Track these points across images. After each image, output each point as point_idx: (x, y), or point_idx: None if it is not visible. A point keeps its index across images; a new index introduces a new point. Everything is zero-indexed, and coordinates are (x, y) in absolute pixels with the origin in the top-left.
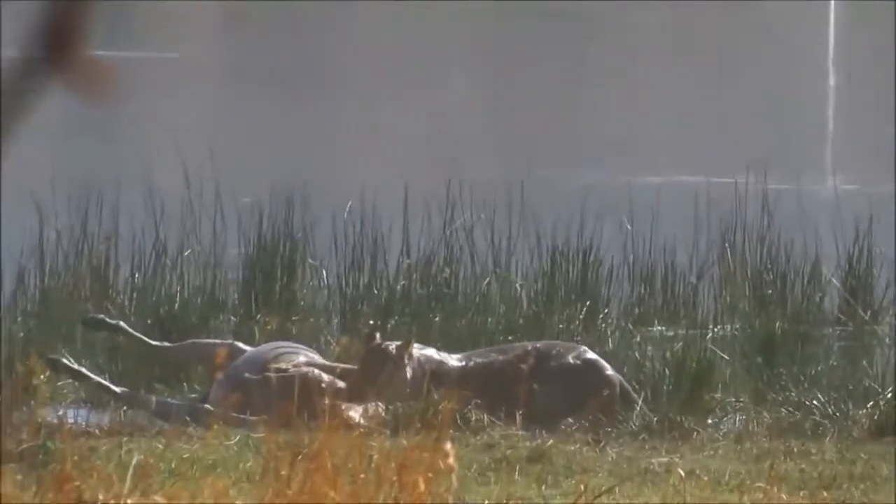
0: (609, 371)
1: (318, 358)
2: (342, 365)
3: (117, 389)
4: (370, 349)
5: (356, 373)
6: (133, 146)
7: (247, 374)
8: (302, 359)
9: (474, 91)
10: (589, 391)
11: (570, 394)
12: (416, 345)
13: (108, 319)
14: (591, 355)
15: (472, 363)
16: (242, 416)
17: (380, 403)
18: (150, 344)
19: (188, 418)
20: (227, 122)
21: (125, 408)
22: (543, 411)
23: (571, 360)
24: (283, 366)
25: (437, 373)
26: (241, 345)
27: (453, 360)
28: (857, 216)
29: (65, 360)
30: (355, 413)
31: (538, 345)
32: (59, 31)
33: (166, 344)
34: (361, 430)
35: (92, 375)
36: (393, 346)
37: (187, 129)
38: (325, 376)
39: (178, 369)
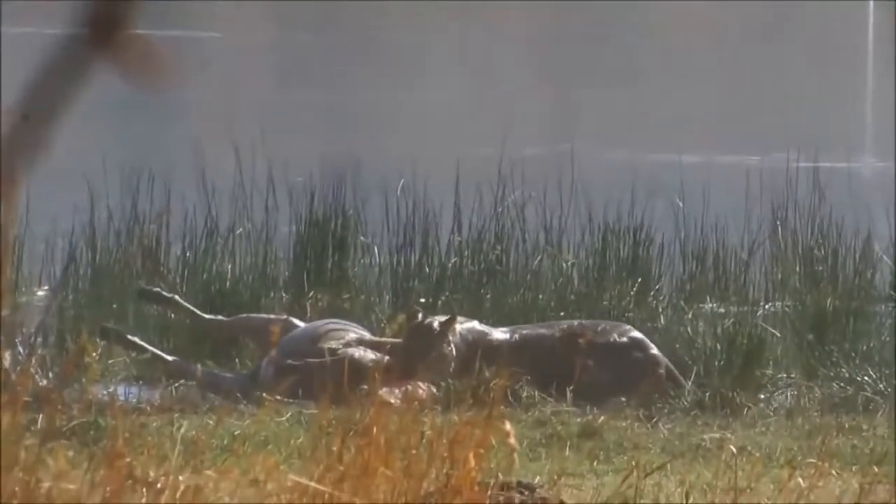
0: (654, 350)
1: (368, 335)
2: (392, 340)
3: (169, 358)
4: (413, 327)
5: (400, 351)
6: (183, 126)
7: (297, 352)
8: (352, 336)
9: (526, 67)
10: (635, 369)
11: (616, 371)
12: (459, 319)
13: (163, 292)
14: (636, 334)
15: (517, 336)
16: (293, 392)
17: (426, 381)
18: (204, 317)
19: (238, 393)
20: (276, 100)
21: (175, 379)
22: (589, 387)
23: (617, 338)
24: (332, 344)
25: (483, 346)
26: (295, 320)
27: (498, 333)
28: None
29: (117, 329)
30: (401, 392)
31: (583, 322)
32: (106, 11)
33: (220, 317)
34: (412, 406)
35: (144, 344)
36: (436, 322)
37: (237, 108)
38: (373, 354)
39: (230, 344)
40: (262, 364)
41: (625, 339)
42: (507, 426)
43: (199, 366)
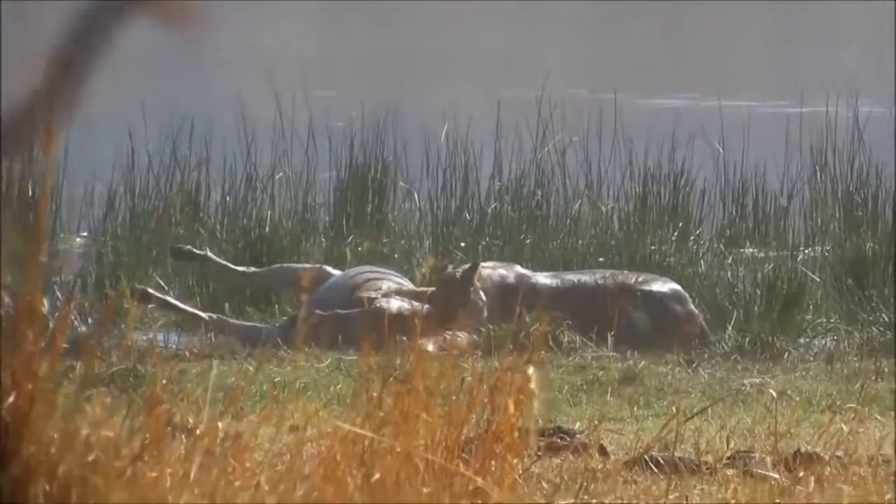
0: (691, 306)
1: (406, 283)
2: (428, 290)
3: (205, 315)
4: (440, 279)
5: (432, 304)
6: (224, 73)
7: (334, 302)
8: (389, 284)
9: (567, 13)
10: (672, 321)
11: (655, 320)
12: (498, 264)
13: (194, 250)
14: (676, 286)
15: (559, 281)
16: (331, 342)
17: (462, 329)
18: (237, 271)
19: (279, 340)
20: (317, 46)
21: (212, 334)
22: (628, 334)
23: (658, 288)
24: (370, 294)
25: (525, 289)
26: (329, 269)
27: (541, 277)
28: None
29: (151, 291)
30: (439, 340)
31: (625, 272)
32: None
33: (253, 269)
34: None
35: (179, 304)
36: (460, 272)
37: (277, 55)
38: (409, 304)
39: (268, 293)
40: (298, 314)
41: (665, 290)
42: (530, 371)
43: (234, 320)
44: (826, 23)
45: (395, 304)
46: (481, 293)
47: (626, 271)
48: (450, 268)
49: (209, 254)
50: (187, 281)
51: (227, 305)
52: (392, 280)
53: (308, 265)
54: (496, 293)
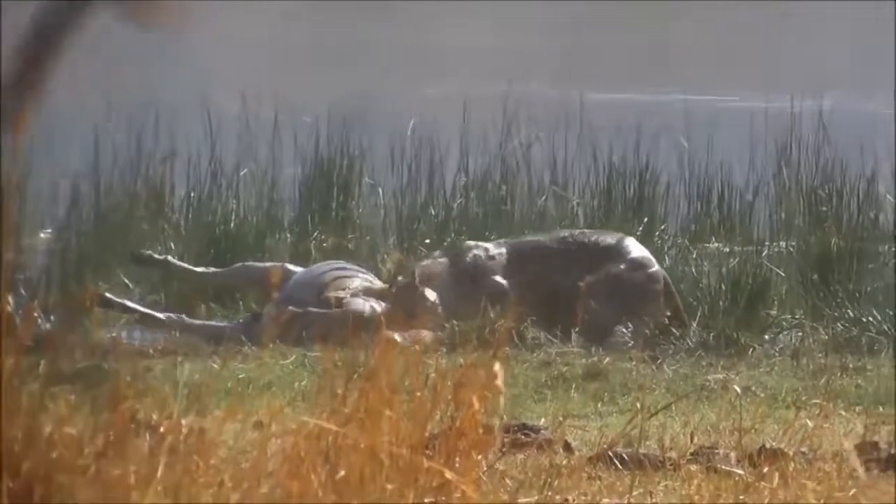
0: (655, 267)
1: (373, 279)
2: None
3: (163, 317)
4: (397, 287)
5: (392, 310)
6: (189, 67)
7: (300, 300)
8: (357, 282)
9: (532, 7)
10: (632, 280)
11: (612, 278)
12: (441, 251)
13: (154, 255)
14: (633, 242)
15: (510, 248)
16: (296, 340)
17: (424, 329)
18: (198, 272)
19: (242, 337)
20: (283, 40)
21: (175, 333)
22: (587, 297)
23: (612, 243)
24: (338, 293)
25: (481, 264)
26: (291, 267)
27: (493, 247)
28: None
29: (110, 296)
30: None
31: (584, 231)
32: None
33: (214, 270)
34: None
35: (139, 307)
36: (400, 284)
37: (243, 49)
38: (377, 304)
39: (232, 291)
40: (263, 312)
41: (619, 244)
42: (496, 367)
43: (194, 320)
44: (792, 17)
45: (362, 304)
46: (428, 293)
47: (584, 230)
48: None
49: (169, 258)
50: (152, 277)
51: (191, 302)
52: (359, 277)
53: (270, 264)
54: (451, 280)
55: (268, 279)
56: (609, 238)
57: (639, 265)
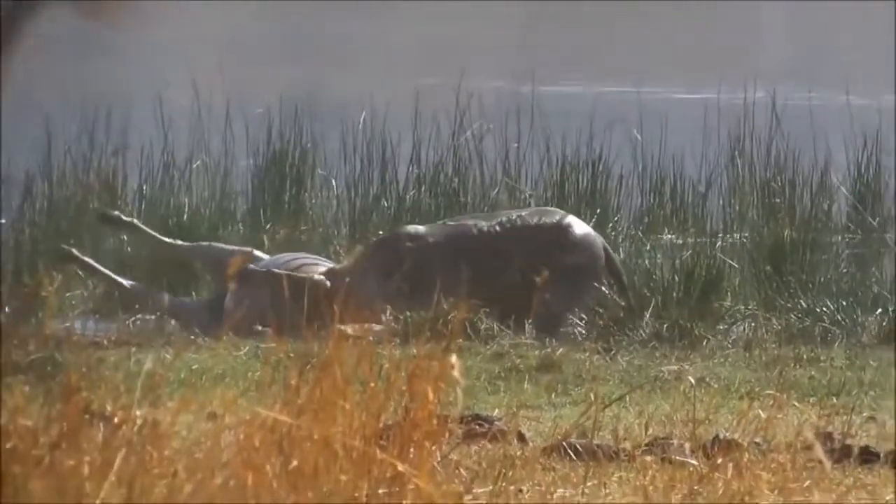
0: (598, 245)
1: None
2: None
3: (127, 283)
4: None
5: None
6: (142, 60)
7: (263, 285)
8: (321, 269)
9: (490, 3)
10: (577, 263)
11: (556, 262)
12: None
13: (122, 216)
14: (568, 219)
15: (448, 230)
16: (260, 321)
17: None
18: (164, 241)
19: (200, 321)
20: (236, 33)
21: (136, 304)
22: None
23: (549, 221)
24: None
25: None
26: (258, 253)
27: (424, 229)
28: (866, 126)
29: (77, 252)
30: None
31: (522, 213)
32: None
33: (180, 242)
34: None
35: (104, 269)
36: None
37: (196, 42)
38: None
39: (190, 272)
40: (226, 294)
41: (556, 221)
42: (453, 360)
43: (162, 293)
44: (745, 10)
45: (321, 277)
46: (369, 280)
47: (522, 212)
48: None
49: (136, 221)
50: (105, 266)
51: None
52: (323, 265)
53: (237, 248)
54: (381, 270)
55: (233, 261)
56: (549, 217)
57: (582, 245)
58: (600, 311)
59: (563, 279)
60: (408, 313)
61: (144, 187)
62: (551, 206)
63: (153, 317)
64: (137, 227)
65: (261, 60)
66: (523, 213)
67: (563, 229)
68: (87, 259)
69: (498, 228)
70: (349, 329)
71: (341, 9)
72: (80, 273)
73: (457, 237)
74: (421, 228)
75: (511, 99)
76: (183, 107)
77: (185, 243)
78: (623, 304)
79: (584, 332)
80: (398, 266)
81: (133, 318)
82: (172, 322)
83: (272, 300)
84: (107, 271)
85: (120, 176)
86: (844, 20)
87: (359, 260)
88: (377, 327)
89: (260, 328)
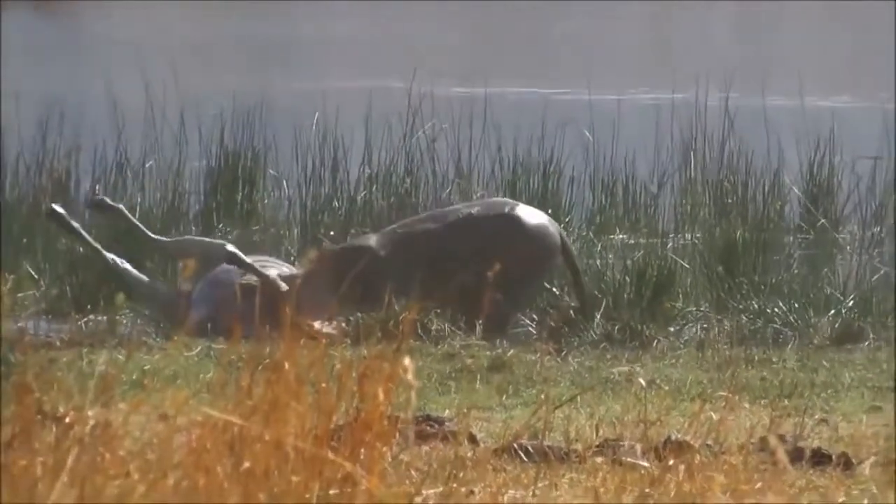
0: (534, 222)
1: (293, 271)
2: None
3: (108, 256)
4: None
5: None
6: (95, 61)
7: (225, 285)
8: (279, 271)
9: (441, 4)
10: (512, 241)
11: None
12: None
13: (108, 201)
14: (517, 210)
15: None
16: (222, 321)
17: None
18: (147, 234)
19: (167, 310)
20: (188, 34)
21: (111, 278)
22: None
23: (495, 217)
24: (252, 279)
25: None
26: (231, 248)
27: (371, 240)
28: (819, 128)
29: (62, 212)
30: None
31: (473, 208)
32: None
33: (161, 238)
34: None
35: (87, 236)
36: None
37: (149, 44)
38: (284, 286)
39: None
40: (194, 289)
41: (505, 212)
42: (406, 361)
43: (134, 270)
44: (696, 10)
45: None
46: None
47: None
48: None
49: (122, 208)
50: (57, 269)
51: (95, 295)
52: (282, 269)
53: (210, 239)
54: (332, 283)
55: (205, 257)
56: (498, 209)
57: (533, 236)
58: (551, 311)
59: (513, 273)
60: (358, 315)
61: (97, 187)
62: None
63: (108, 314)
64: (122, 213)
65: (214, 61)
66: (473, 210)
67: (513, 220)
68: (72, 222)
69: (448, 229)
70: (303, 330)
71: (295, 9)
72: (64, 234)
73: (408, 245)
74: (371, 240)
75: (463, 100)
76: (136, 107)
77: (165, 238)
78: (577, 295)
79: (534, 331)
80: (349, 279)
81: (85, 319)
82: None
83: (235, 301)
84: (90, 239)
85: (73, 176)
86: (796, 21)
87: (310, 270)
88: (329, 329)
89: (216, 327)
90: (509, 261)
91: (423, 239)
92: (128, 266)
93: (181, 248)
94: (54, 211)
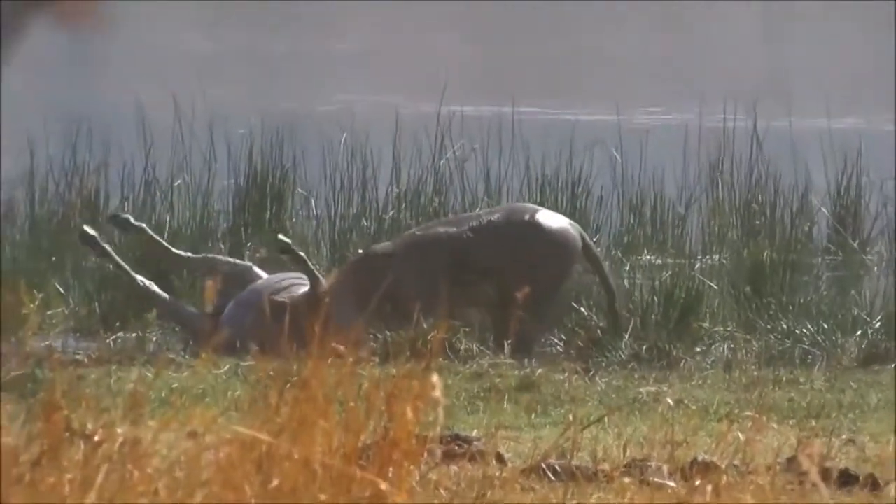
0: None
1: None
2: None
3: (138, 278)
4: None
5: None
6: (124, 79)
7: (255, 304)
8: (304, 290)
9: (467, 22)
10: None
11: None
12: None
13: (132, 220)
14: (538, 215)
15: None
16: (250, 341)
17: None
18: (169, 249)
19: (195, 331)
20: (218, 52)
21: (140, 299)
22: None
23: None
24: (282, 297)
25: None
26: (257, 269)
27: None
28: (847, 148)
29: (94, 234)
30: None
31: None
32: None
33: (187, 254)
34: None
35: (118, 259)
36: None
37: (178, 61)
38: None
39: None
40: (225, 309)
41: (526, 219)
42: (434, 379)
43: (164, 293)
44: (724, 32)
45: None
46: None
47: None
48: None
49: (145, 227)
50: (86, 287)
51: (125, 313)
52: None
53: (235, 261)
54: (356, 287)
55: (229, 277)
56: (519, 215)
57: (555, 239)
58: (579, 331)
59: (535, 276)
60: (387, 333)
61: (126, 205)
62: None
63: (138, 332)
64: (146, 231)
65: (243, 78)
66: (493, 216)
67: (534, 224)
68: (104, 244)
69: (468, 233)
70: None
71: (322, 27)
72: (95, 256)
73: (427, 248)
74: (388, 245)
75: (491, 119)
76: (164, 124)
77: (190, 255)
78: (606, 297)
79: (562, 351)
80: (373, 286)
81: (113, 337)
82: (164, 325)
83: (266, 323)
84: (120, 261)
85: (102, 193)
86: (821, 40)
87: (335, 281)
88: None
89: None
90: (531, 264)
91: (443, 242)
92: (156, 288)
93: (207, 266)
94: (86, 233)
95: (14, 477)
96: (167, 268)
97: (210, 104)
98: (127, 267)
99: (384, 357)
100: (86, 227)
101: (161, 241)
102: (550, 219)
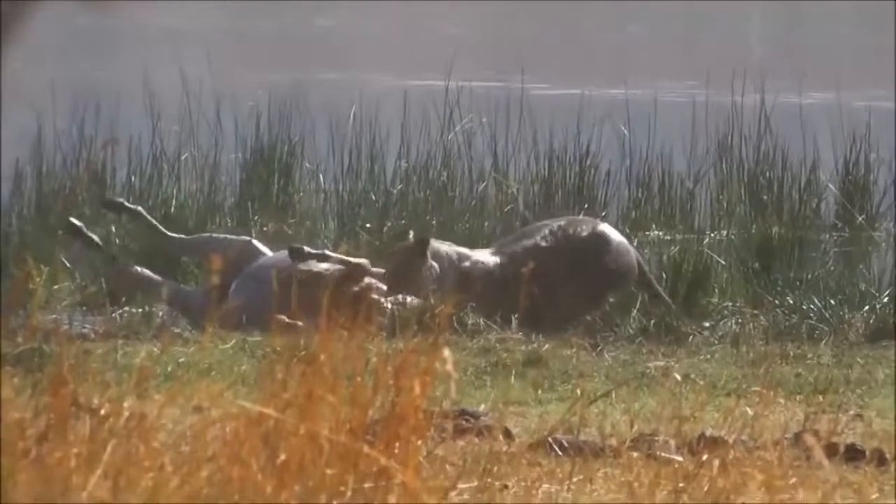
0: (618, 239)
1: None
2: (357, 261)
3: (136, 267)
4: (400, 249)
5: (388, 269)
6: (131, 53)
7: (266, 279)
8: (324, 265)
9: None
10: (599, 264)
11: (584, 266)
12: (445, 243)
13: (126, 203)
14: (602, 227)
15: (502, 257)
16: (260, 316)
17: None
18: (166, 233)
19: (199, 311)
20: (225, 26)
21: (137, 288)
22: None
23: (585, 234)
24: (311, 267)
25: (471, 269)
26: (257, 243)
27: (482, 255)
28: (856, 124)
29: (81, 225)
30: (392, 302)
31: (560, 223)
32: None
33: (181, 236)
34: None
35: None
36: (412, 243)
37: (185, 35)
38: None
39: (187, 263)
40: (230, 285)
41: (591, 234)
42: (446, 353)
43: (163, 279)
44: (734, 8)
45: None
46: (434, 265)
47: (560, 221)
48: (410, 236)
49: (141, 209)
50: (93, 262)
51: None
52: (332, 258)
53: (235, 237)
54: (448, 268)
55: (231, 253)
56: (585, 228)
57: (621, 252)
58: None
59: (601, 288)
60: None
61: (133, 179)
62: (539, 200)
63: (144, 307)
64: (140, 215)
65: (250, 54)
66: (562, 225)
67: (602, 237)
68: (91, 235)
69: (544, 244)
70: (388, 303)
71: (330, 4)
72: (85, 248)
73: (513, 263)
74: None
75: (499, 94)
76: (172, 99)
77: (185, 236)
78: (662, 308)
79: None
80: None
81: (120, 311)
82: (169, 309)
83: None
84: (101, 249)
85: (109, 168)
86: (833, 18)
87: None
88: (410, 301)
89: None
90: (599, 276)
91: (527, 256)
92: (152, 274)
93: (201, 246)
94: (73, 225)
95: (20, 451)
96: (164, 252)
97: (217, 79)
98: (116, 257)
99: (392, 332)
100: (71, 219)
101: (157, 224)
102: (615, 233)
